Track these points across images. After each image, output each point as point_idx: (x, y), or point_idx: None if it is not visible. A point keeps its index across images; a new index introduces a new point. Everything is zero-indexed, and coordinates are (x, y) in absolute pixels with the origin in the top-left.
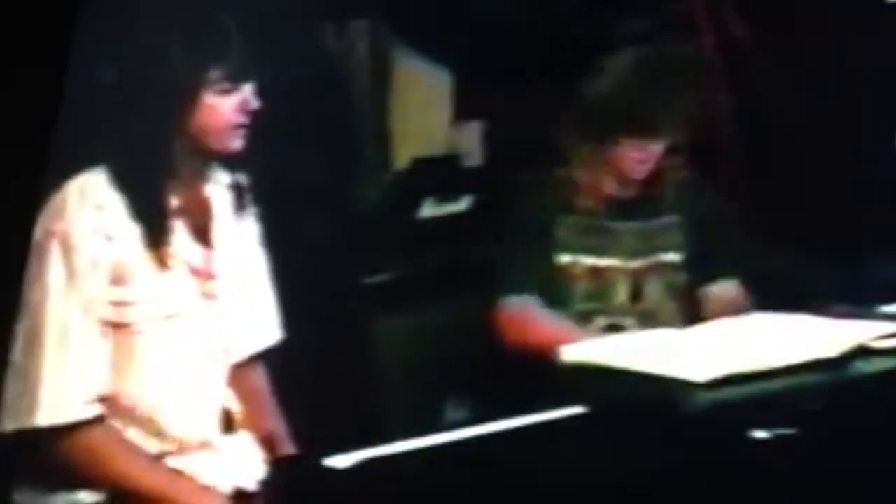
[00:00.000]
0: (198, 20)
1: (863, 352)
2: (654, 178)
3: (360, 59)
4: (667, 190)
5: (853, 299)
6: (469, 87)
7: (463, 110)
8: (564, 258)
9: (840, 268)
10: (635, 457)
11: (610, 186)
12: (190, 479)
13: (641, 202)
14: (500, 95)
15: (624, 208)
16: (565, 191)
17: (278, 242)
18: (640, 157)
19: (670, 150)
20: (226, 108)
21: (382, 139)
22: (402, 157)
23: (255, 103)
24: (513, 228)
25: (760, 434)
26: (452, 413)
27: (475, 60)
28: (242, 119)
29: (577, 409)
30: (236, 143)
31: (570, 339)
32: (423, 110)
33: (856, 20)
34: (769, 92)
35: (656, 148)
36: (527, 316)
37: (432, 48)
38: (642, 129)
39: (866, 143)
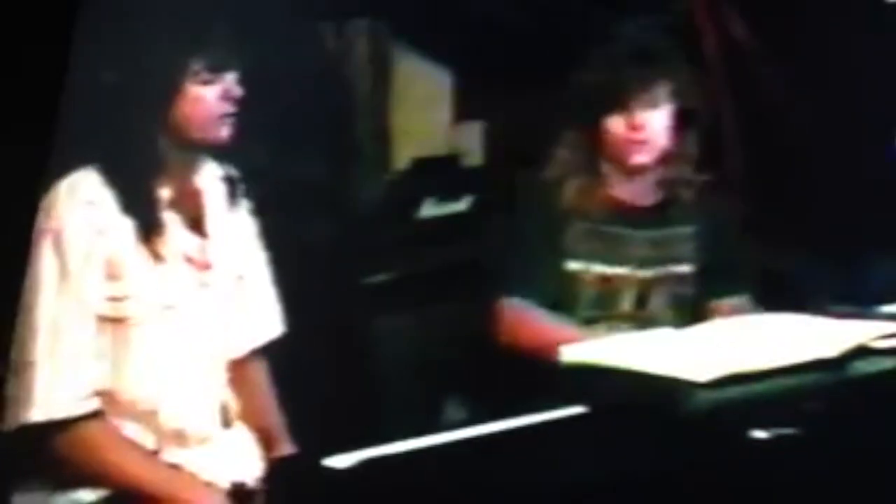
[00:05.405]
0: (179, 14)
1: (863, 352)
2: (668, 185)
3: (360, 58)
4: (682, 199)
5: (853, 299)
6: (469, 87)
7: (463, 110)
8: (574, 265)
9: (840, 268)
10: (635, 457)
11: (618, 186)
12: (188, 474)
13: (655, 210)
14: (500, 95)
15: (638, 216)
16: (576, 195)
17: (278, 242)
18: (629, 135)
19: (671, 156)
20: (209, 97)
21: (382, 139)
22: (402, 157)
23: (238, 91)
24: (521, 231)
25: (760, 434)
26: (452, 413)
27: (475, 60)
28: (227, 108)
29: (577, 409)
30: (223, 132)
31: (569, 341)
32: (423, 110)
33: (856, 20)
34: (769, 92)
35: (641, 120)
36: (526, 317)
37: (432, 48)
38: (620, 98)
39: (866, 143)
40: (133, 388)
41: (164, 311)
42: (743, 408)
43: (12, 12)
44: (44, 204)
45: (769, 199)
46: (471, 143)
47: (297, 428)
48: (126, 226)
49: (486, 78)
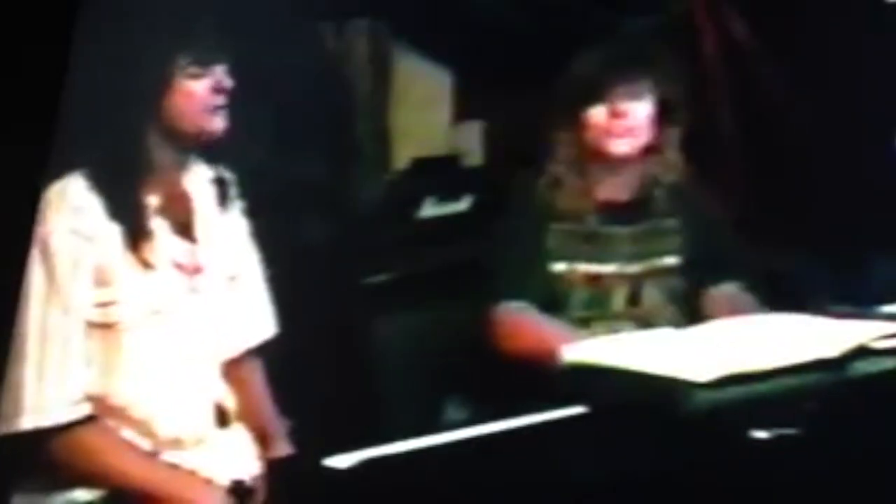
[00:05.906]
0: (178, 14)
1: (863, 352)
2: (647, 180)
3: (360, 58)
4: (660, 192)
5: (853, 299)
6: (469, 87)
7: (463, 110)
8: (560, 266)
9: (840, 268)
10: (635, 457)
11: (601, 185)
12: (187, 473)
13: (635, 205)
14: (500, 95)
15: (617, 212)
16: (556, 197)
17: (278, 242)
18: (611, 124)
19: (653, 149)
20: (199, 90)
21: (382, 139)
22: (402, 156)
23: (228, 82)
24: (506, 235)
25: (760, 434)
26: (452, 413)
27: (475, 60)
28: (218, 100)
29: (577, 409)
30: (216, 124)
31: (569, 344)
32: (423, 110)
33: (856, 20)
34: (769, 92)
35: (624, 108)
36: (523, 321)
37: (432, 48)
38: (602, 90)
39: (866, 143)
40: (125, 393)
41: (153, 316)
42: (743, 408)
43: (12, 12)
44: (40, 208)
45: (770, 198)
46: (471, 143)
47: (297, 428)
48: (114, 232)
49: (486, 78)
